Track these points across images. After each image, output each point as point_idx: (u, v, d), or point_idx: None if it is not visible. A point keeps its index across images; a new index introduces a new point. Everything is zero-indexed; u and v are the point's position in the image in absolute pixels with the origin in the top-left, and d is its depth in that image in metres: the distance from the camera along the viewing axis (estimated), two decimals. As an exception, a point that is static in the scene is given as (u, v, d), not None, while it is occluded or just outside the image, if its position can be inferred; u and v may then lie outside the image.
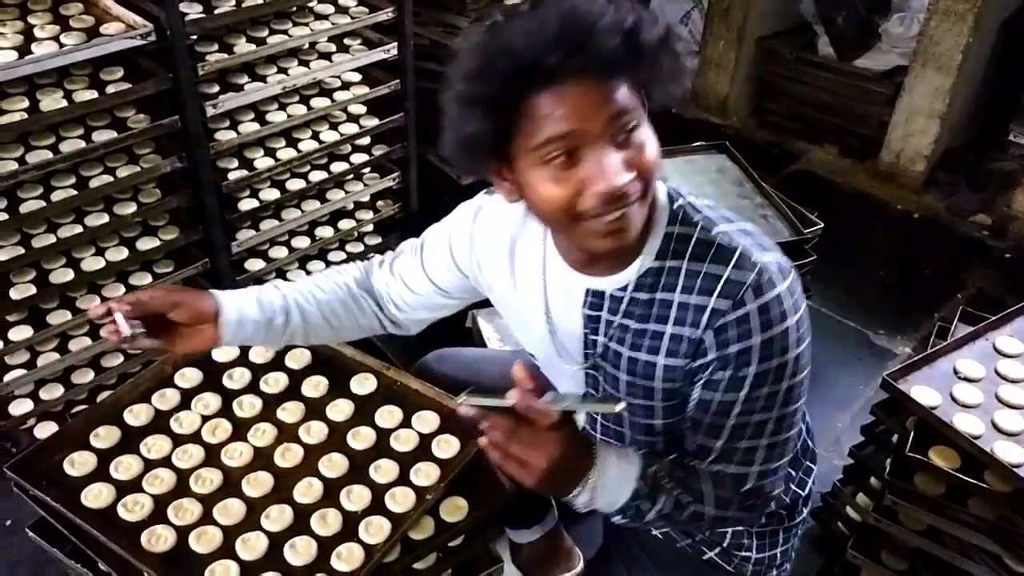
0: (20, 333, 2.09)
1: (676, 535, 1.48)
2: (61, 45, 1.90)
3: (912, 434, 1.72)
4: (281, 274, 2.57)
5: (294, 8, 2.31)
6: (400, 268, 1.50)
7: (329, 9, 2.36)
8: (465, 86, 1.06)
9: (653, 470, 1.20)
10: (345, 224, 2.65)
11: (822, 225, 2.36)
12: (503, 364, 1.30)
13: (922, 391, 1.75)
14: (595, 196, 1.06)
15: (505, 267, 1.36)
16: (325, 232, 2.61)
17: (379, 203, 2.74)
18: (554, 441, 1.09)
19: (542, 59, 1.00)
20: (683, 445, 1.29)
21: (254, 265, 2.48)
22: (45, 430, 2.20)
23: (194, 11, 2.04)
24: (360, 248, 2.72)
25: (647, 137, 1.09)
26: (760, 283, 1.13)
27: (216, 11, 2.07)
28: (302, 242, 2.56)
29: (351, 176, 2.59)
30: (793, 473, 1.47)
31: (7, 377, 2.11)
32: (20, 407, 2.17)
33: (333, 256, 2.68)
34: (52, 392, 2.21)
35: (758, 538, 1.47)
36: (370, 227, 2.75)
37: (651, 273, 1.20)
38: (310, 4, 2.34)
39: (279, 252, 2.53)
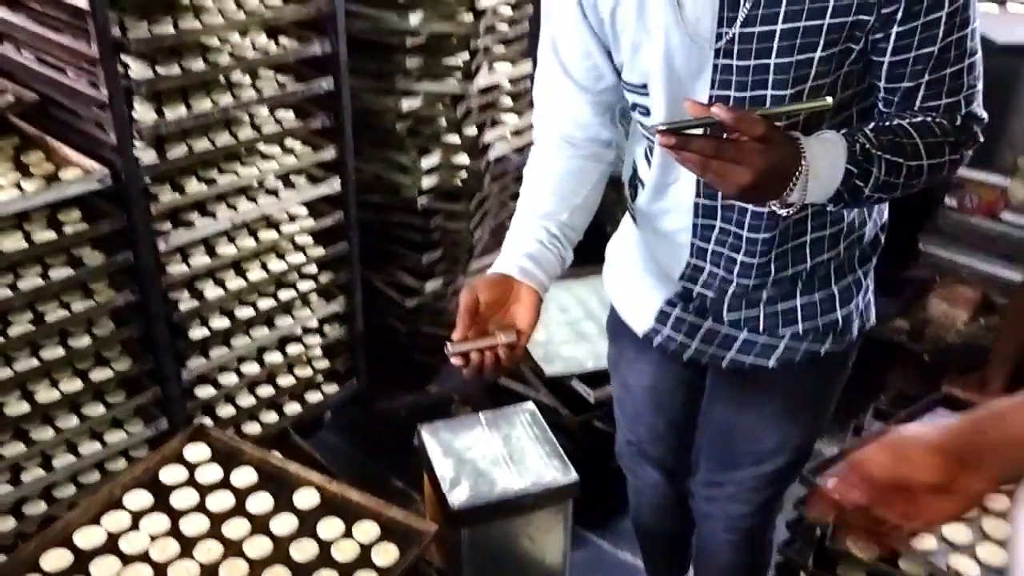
0: (-28, 465, 2.12)
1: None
2: (22, 190, 2.03)
3: (831, 527, 1.84)
4: (231, 399, 2.64)
5: (242, 150, 2.47)
6: (554, 100, 1.45)
7: (275, 150, 2.52)
8: None
9: (860, 145, 1.19)
10: (293, 349, 2.74)
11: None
12: None
13: (836, 485, 1.87)
14: None
15: None
16: (274, 357, 2.69)
17: (326, 327, 2.85)
18: (760, 153, 1.08)
19: None
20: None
21: (204, 392, 2.55)
22: (-6, 562, 2.20)
23: (148, 157, 2.18)
24: (309, 372, 2.81)
25: None
26: None
27: (168, 155, 2.22)
28: (252, 367, 2.65)
29: (298, 302, 2.71)
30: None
31: (-43, 509, 2.14)
32: (-32, 540, 2.18)
33: (282, 380, 2.74)
34: (3, 524, 2.22)
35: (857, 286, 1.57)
36: (318, 351, 2.85)
37: None
38: (257, 146, 2.50)
39: (229, 378, 2.60)
